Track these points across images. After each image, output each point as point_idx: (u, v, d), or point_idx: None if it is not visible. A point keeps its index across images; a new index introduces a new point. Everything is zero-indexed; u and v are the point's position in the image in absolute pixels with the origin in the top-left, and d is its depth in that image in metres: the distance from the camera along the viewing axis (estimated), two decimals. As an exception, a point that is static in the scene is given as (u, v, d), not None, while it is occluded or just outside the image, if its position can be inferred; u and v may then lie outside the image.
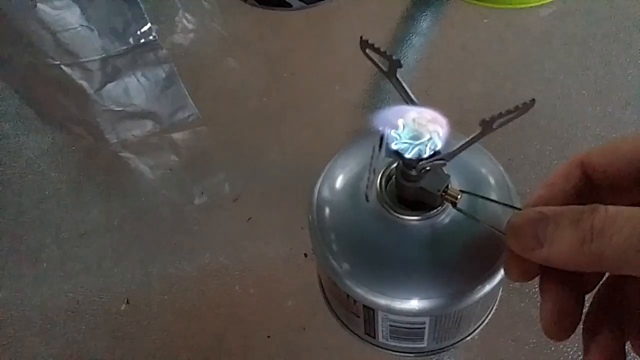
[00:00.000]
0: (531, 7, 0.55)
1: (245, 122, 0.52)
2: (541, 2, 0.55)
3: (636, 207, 0.21)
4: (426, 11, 0.57)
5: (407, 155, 0.29)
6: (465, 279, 0.32)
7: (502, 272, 0.32)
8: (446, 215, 0.32)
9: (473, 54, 0.54)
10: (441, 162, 0.30)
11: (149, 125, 0.51)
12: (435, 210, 0.32)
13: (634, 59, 0.52)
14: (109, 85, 0.45)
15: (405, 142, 0.29)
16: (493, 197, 0.33)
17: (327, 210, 0.35)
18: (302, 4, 0.57)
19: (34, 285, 0.46)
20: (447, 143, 0.29)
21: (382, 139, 0.29)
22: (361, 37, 0.30)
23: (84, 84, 0.44)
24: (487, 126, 0.27)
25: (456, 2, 0.57)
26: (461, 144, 0.29)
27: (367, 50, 0.30)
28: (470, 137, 0.28)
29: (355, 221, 0.34)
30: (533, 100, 0.26)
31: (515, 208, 0.31)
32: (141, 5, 0.41)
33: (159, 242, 0.47)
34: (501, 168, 0.35)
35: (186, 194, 0.49)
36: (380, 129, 0.29)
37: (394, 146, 0.29)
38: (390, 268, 0.33)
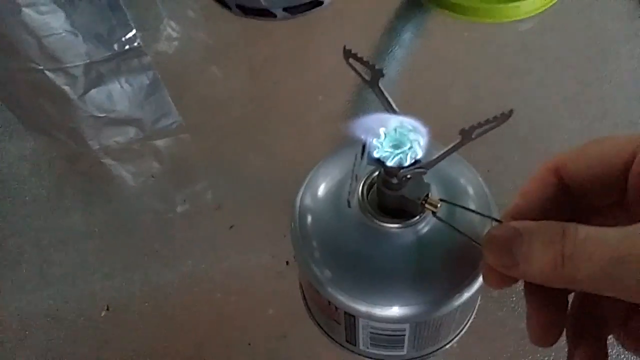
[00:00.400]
0: (510, 22, 0.57)
1: (229, 130, 0.53)
2: (520, 18, 0.57)
3: (608, 229, 0.22)
4: (409, 24, 0.58)
5: (389, 164, 0.30)
6: (445, 286, 0.33)
7: (480, 279, 0.32)
8: (426, 223, 0.33)
9: (454, 67, 0.55)
10: (421, 170, 0.30)
11: (131, 132, 0.51)
12: (415, 219, 0.33)
13: (609, 73, 0.53)
14: (93, 91, 0.45)
15: (387, 151, 0.30)
16: (472, 207, 0.34)
17: (309, 218, 0.36)
18: (286, 14, 0.57)
19: (13, 290, 0.45)
20: (427, 152, 0.30)
21: (364, 146, 0.30)
22: (344, 47, 0.31)
23: (67, 89, 0.44)
24: (466, 135, 0.28)
25: (438, 16, 0.58)
26: (441, 153, 0.29)
27: (350, 60, 0.31)
28: (450, 146, 0.29)
29: (337, 228, 0.35)
30: (511, 111, 0.27)
31: (493, 219, 0.31)
32: (126, 12, 0.41)
33: (140, 249, 0.47)
34: (480, 179, 0.36)
35: (168, 202, 0.49)
36: (362, 136, 0.30)
37: (375, 154, 0.30)
38: (371, 275, 0.33)
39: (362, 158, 0.30)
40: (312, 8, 0.58)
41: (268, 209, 0.47)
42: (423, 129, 0.29)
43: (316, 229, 0.36)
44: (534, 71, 0.54)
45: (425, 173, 0.30)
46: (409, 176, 0.30)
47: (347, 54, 0.31)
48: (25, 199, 0.50)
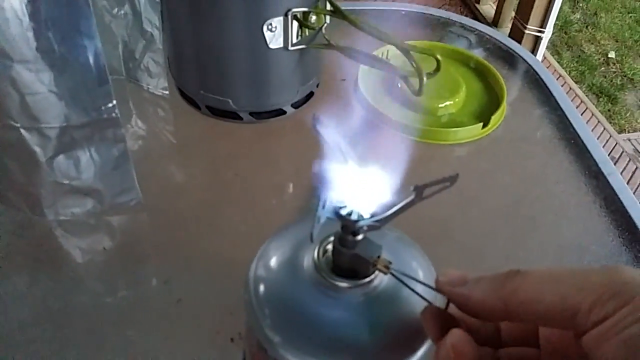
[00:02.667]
0: (451, 144, 0.63)
1: (185, 212, 0.55)
2: (458, 141, 0.63)
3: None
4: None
5: (344, 214, 0.33)
6: (392, 349, 0.34)
7: (428, 342, 0.34)
8: (377, 285, 0.35)
9: (397, 177, 0.60)
10: (377, 224, 0.33)
11: (89, 204, 0.52)
12: (367, 279, 0.35)
13: (539, 194, 0.60)
14: (61, 156, 0.47)
15: (345, 203, 0.33)
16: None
17: (262, 286, 0.37)
18: (252, 118, 0.62)
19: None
20: (383, 209, 0.33)
21: (324, 197, 0.33)
22: (314, 114, 0.35)
23: (38, 150, 0.46)
24: (419, 192, 0.32)
25: (387, 131, 0.64)
26: (395, 209, 0.33)
27: (317, 126, 0.35)
28: (403, 203, 0.33)
29: (290, 291, 0.36)
30: (457, 175, 0.31)
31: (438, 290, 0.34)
32: (111, 83, 0.44)
33: (81, 320, 0.46)
34: (431, 266, 0.39)
35: (115, 279, 0.49)
36: (324, 187, 0.33)
37: (333, 205, 0.33)
38: (321, 334, 0.34)
39: (322, 207, 0.33)
40: (276, 116, 0.63)
41: (216, 287, 0.48)
42: (380, 184, 0.33)
43: (269, 294, 0.37)
44: (470, 187, 0.60)
45: (379, 228, 0.33)
46: (365, 228, 0.33)
47: (316, 121, 0.35)
48: (-33, 260, 0.49)
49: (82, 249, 0.52)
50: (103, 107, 0.45)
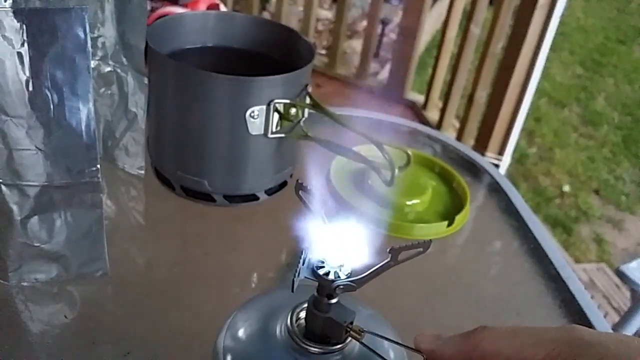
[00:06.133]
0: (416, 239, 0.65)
1: (151, 287, 0.54)
2: (422, 238, 0.65)
3: None
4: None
5: (321, 273, 0.34)
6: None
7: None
8: (349, 353, 0.35)
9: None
10: (353, 285, 0.34)
11: (54, 271, 0.51)
12: (339, 345, 0.35)
13: (493, 286, 0.62)
14: (36, 217, 0.47)
15: (323, 263, 0.34)
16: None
17: (233, 355, 0.37)
18: (225, 201, 0.63)
19: None
20: (359, 271, 0.34)
21: (305, 254, 0.34)
22: (297, 180, 0.37)
23: (15, 208, 0.46)
24: (394, 255, 0.33)
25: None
26: (371, 271, 0.34)
27: (300, 192, 0.37)
28: (379, 265, 0.34)
29: (263, 358, 0.36)
30: (430, 241, 0.33)
31: (412, 349, 0.34)
32: (98, 150, 0.45)
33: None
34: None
35: (74, 349, 0.48)
36: (304, 246, 0.34)
37: (311, 263, 0.34)
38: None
39: (302, 264, 0.34)
40: (249, 201, 0.65)
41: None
42: (358, 246, 0.34)
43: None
44: (436, 282, 0.62)
45: (355, 289, 0.34)
46: (341, 287, 0.34)
47: (298, 187, 0.37)
48: None
49: (42, 317, 0.50)
50: (87, 170, 0.46)
